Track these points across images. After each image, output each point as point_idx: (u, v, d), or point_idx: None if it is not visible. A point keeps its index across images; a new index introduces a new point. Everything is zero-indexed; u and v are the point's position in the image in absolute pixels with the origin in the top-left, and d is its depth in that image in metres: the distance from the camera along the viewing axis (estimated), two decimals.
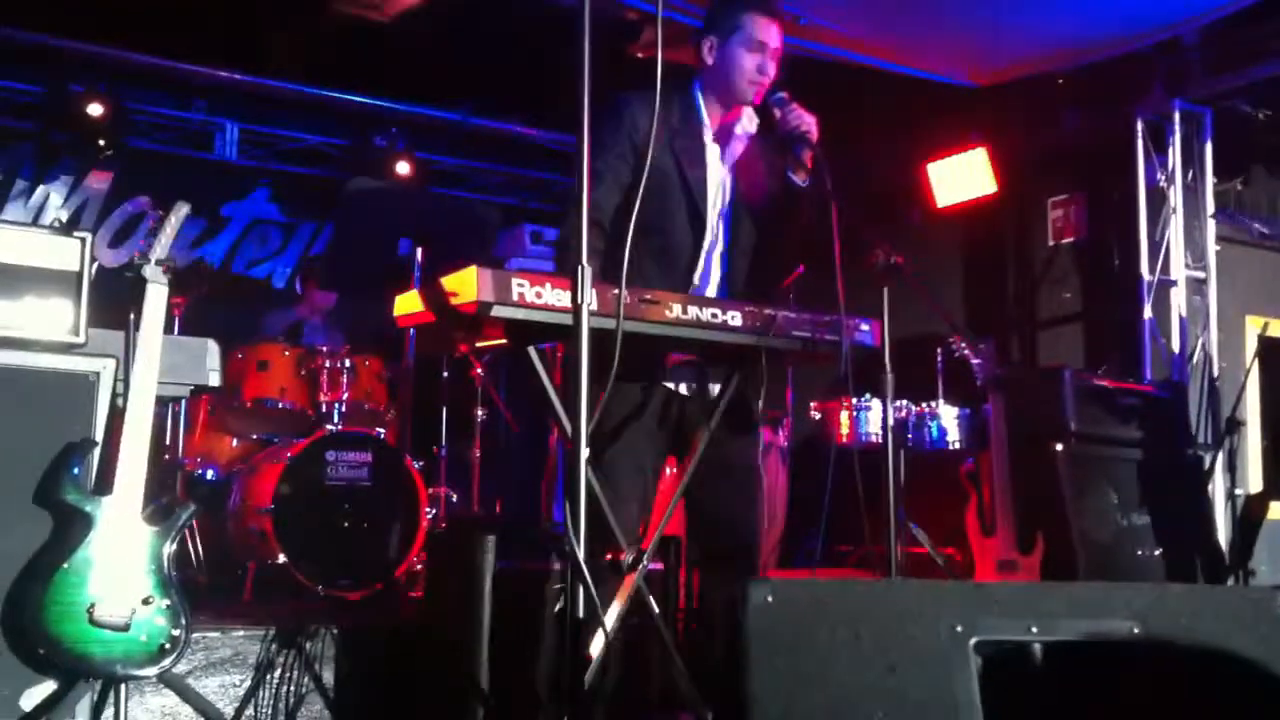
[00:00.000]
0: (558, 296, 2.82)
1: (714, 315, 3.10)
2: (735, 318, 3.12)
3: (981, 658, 1.88)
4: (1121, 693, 2.10)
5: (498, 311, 2.77)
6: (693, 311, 3.06)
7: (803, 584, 2.02)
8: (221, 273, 8.11)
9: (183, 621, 3.17)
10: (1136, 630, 1.88)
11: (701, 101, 3.55)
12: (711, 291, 3.47)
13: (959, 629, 1.83)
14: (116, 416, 3.27)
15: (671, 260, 3.43)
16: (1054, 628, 1.89)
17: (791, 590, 1.83)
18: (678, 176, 3.43)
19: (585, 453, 2.41)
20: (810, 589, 1.90)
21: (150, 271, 3.28)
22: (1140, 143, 6.81)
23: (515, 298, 2.79)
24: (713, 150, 3.53)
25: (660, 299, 3.02)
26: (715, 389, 3.39)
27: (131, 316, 3.35)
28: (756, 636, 1.79)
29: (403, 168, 8.37)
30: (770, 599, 1.78)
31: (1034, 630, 1.89)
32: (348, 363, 5.97)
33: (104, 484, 3.17)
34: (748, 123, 3.57)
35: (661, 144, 3.39)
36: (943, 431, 6.39)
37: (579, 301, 2.51)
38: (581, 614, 2.20)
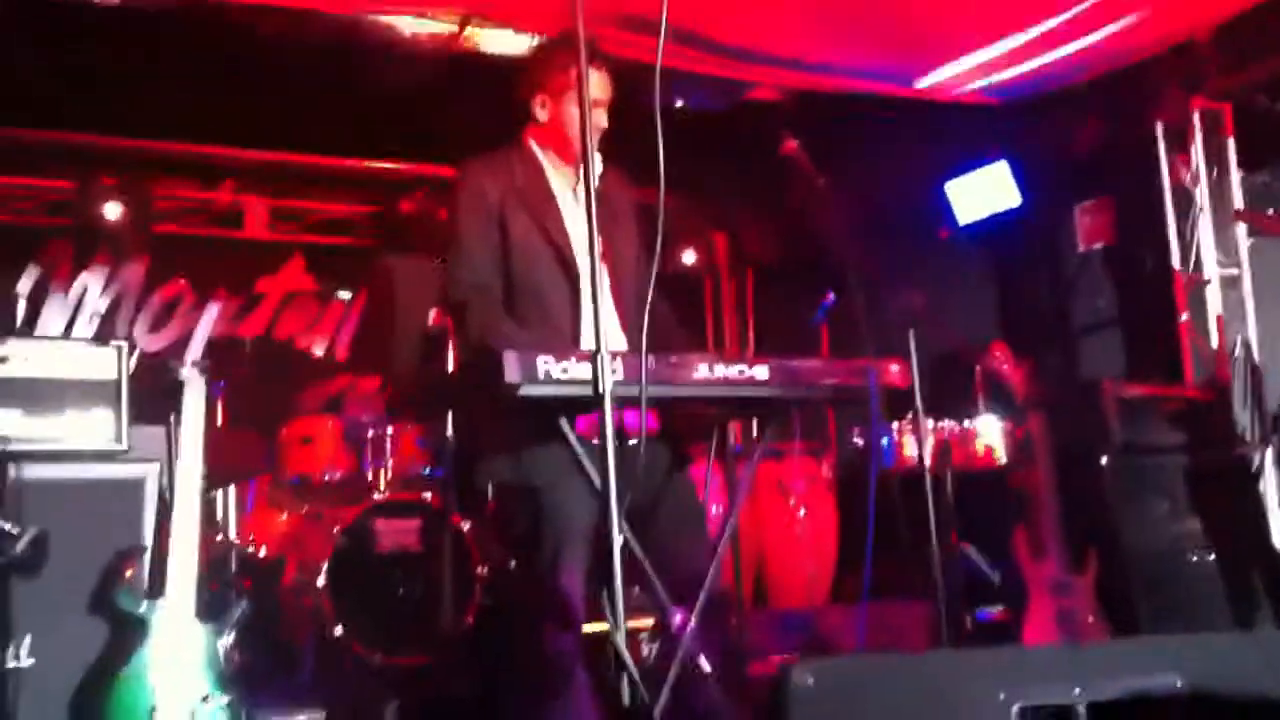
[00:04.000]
0: (582, 370, 2.86)
1: (740, 372, 3.13)
2: (761, 372, 3.14)
3: None
4: None
5: (526, 391, 2.83)
6: (719, 370, 3.09)
7: (843, 663, 2.03)
8: (259, 346, 8.16)
9: (243, 715, 3.22)
10: (1180, 684, 1.87)
11: (541, 154, 3.52)
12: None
13: (1002, 696, 1.83)
14: (165, 515, 3.34)
15: (551, 317, 3.35)
16: (1098, 688, 1.89)
17: (832, 671, 1.83)
18: (539, 232, 3.38)
19: (621, 531, 2.42)
20: (851, 667, 1.91)
21: (186, 374, 3.36)
22: (1161, 144, 6.77)
23: (541, 376, 2.84)
24: (565, 198, 3.48)
25: (685, 361, 3.04)
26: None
27: (172, 417, 3.42)
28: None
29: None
30: (811, 682, 1.79)
31: (1078, 692, 1.89)
32: (389, 430, 6.05)
33: (157, 586, 3.23)
34: (597, 164, 3.47)
35: (514, 205, 3.38)
36: (988, 448, 6.33)
37: (599, 374, 2.56)
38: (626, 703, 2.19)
